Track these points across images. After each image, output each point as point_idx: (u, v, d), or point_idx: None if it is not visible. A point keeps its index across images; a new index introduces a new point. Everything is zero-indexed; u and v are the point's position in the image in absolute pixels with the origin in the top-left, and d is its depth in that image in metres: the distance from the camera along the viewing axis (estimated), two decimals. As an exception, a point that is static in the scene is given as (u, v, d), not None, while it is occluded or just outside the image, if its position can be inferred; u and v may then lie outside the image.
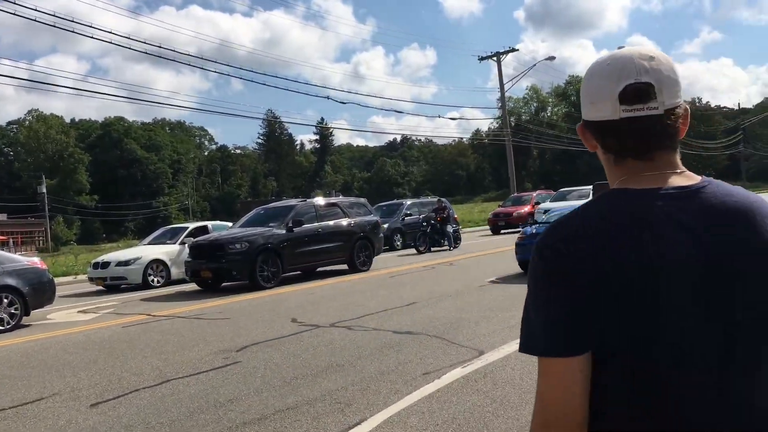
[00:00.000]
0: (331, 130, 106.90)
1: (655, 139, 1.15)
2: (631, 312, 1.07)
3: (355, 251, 15.89)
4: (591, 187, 26.75)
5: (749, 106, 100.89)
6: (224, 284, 14.55)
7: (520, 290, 9.70)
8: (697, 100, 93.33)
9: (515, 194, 34.08)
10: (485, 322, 8.21)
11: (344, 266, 16.04)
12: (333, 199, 17.76)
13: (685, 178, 1.16)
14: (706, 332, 1.08)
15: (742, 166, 78.34)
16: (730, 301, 1.08)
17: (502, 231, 27.73)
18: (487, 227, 29.73)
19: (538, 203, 27.57)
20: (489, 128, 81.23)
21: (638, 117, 1.13)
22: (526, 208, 27.49)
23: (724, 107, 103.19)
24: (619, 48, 1.21)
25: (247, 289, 13.60)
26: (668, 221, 1.10)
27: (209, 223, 18.25)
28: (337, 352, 7.09)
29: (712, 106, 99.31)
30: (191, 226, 18.20)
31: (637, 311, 1.07)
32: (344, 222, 16.02)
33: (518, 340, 1.18)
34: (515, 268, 12.92)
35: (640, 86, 1.12)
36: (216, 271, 13.95)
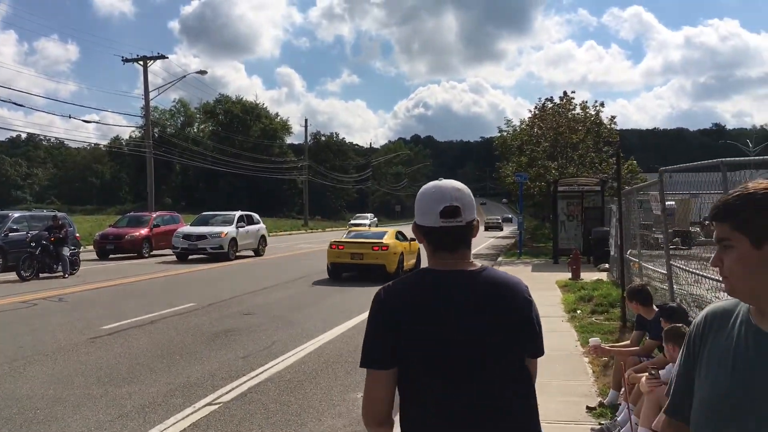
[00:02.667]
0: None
1: (458, 241, 1.88)
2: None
3: None
4: (237, 213, 25.52)
5: (377, 146, 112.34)
6: None
7: (149, 342, 7.50)
8: (334, 135, 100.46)
9: (133, 213, 29.96)
10: (91, 403, 6.03)
11: None
12: None
13: (471, 265, 1.89)
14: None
15: (368, 200, 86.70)
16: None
17: (111, 256, 23.75)
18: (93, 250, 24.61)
19: (157, 225, 25.47)
20: (130, 136, 75.55)
21: (450, 226, 1.85)
22: (143, 231, 24.62)
23: (356, 145, 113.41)
24: (440, 179, 1.95)
25: None
26: (455, 287, 1.84)
27: None
28: None
29: (347, 142, 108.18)
30: None
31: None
32: None
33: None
34: (141, 309, 10.72)
35: (452, 208, 1.84)
36: None
